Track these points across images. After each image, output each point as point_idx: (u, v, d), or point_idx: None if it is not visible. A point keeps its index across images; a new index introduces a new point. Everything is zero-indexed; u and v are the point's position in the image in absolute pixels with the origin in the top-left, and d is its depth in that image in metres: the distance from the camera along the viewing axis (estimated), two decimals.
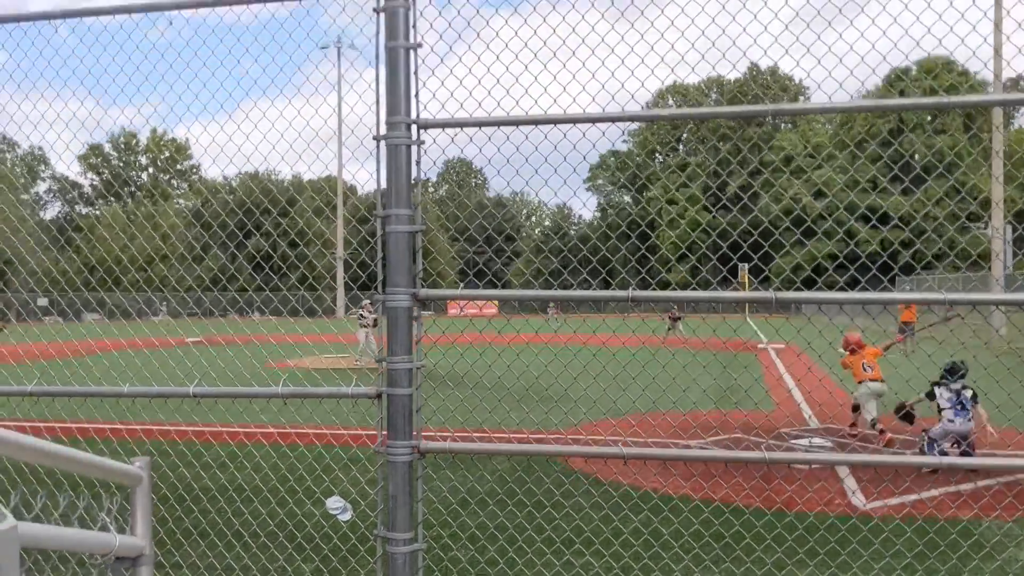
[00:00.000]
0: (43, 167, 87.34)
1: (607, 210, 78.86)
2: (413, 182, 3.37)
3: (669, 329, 34.05)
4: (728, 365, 19.59)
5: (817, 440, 10.86)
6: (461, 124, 3.37)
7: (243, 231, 52.08)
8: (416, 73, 3.38)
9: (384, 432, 3.43)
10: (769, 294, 3.16)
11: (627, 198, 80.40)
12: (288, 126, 4.35)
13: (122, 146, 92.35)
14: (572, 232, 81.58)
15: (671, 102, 79.73)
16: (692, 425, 11.61)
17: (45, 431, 10.70)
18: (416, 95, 3.38)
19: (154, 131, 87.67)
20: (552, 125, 3.43)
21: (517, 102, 3.51)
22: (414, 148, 3.38)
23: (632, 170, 69.80)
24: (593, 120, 3.32)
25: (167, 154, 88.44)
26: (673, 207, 67.48)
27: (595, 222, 78.78)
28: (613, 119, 3.34)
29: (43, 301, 47.12)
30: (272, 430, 10.35)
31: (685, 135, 78.28)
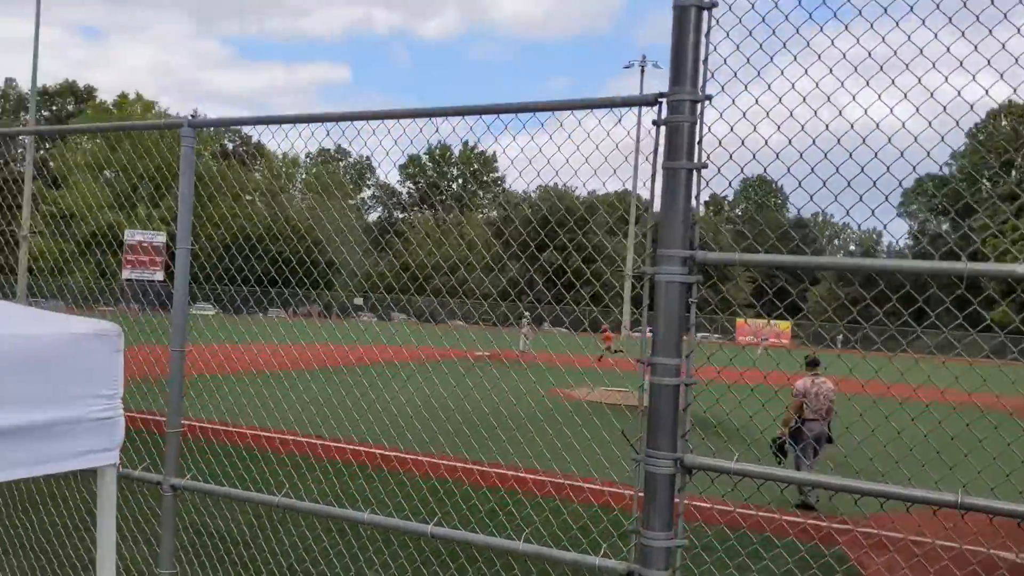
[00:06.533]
0: (369, 175, 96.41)
1: (919, 237, 71.98)
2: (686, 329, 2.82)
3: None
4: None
5: None
6: (735, 262, 2.78)
7: (537, 243, 53.63)
8: (699, 198, 2.84)
9: None
10: None
11: (945, 226, 72.87)
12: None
13: (438, 158, 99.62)
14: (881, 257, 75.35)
15: (1004, 122, 71.36)
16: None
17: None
18: (695, 224, 2.83)
19: (465, 144, 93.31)
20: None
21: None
22: (693, 288, 2.83)
23: (964, 198, 63.25)
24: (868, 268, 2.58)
25: (475, 167, 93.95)
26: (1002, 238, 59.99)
27: (905, 250, 72.20)
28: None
29: (358, 300, 51.67)
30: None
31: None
